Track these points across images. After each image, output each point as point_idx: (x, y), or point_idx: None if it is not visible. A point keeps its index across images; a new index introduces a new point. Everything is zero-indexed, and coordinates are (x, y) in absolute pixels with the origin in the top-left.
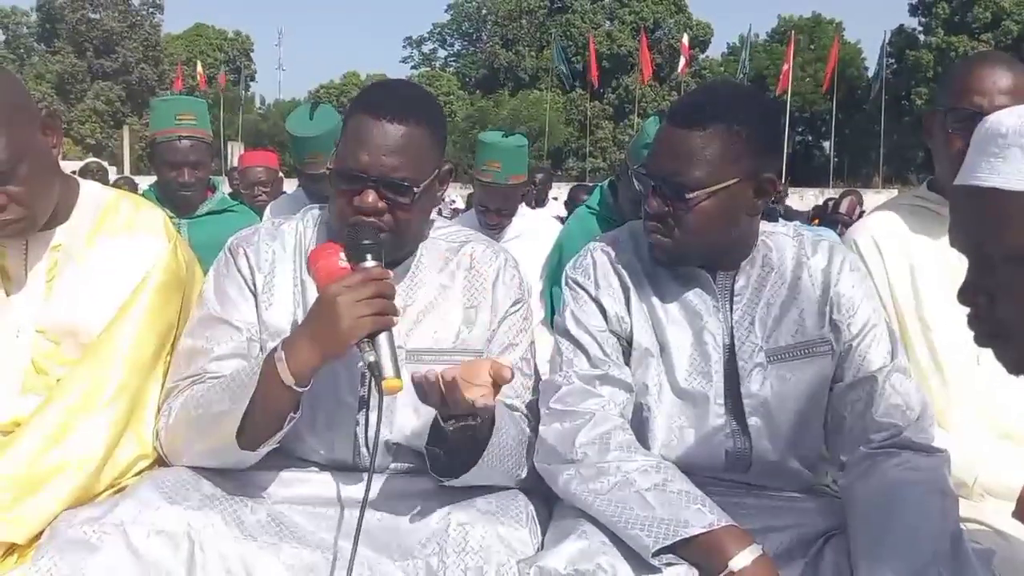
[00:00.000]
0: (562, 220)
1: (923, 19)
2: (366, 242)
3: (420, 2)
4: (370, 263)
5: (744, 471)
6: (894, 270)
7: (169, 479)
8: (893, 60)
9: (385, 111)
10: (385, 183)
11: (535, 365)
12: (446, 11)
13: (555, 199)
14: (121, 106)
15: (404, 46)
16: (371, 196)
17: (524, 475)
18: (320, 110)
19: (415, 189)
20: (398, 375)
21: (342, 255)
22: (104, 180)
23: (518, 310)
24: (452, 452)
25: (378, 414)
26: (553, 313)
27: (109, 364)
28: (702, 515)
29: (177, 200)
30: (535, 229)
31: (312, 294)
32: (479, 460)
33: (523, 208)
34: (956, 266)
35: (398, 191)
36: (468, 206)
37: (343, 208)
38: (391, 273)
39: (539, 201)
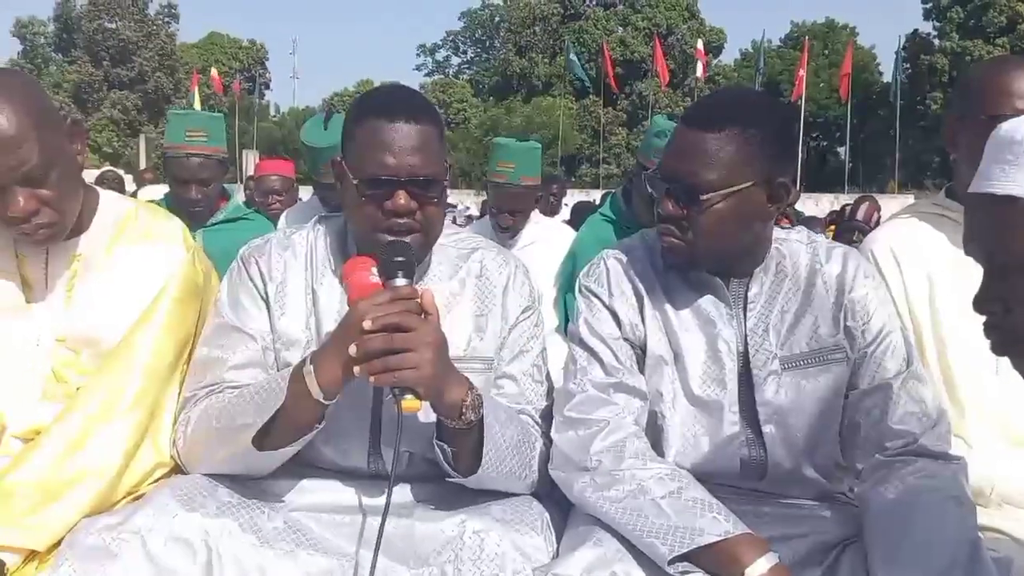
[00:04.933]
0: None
1: (937, 24)
2: (399, 259)
3: (433, 10)
4: (401, 281)
5: (759, 479)
6: (912, 281)
7: (186, 486)
8: (908, 65)
9: (398, 112)
10: (414, 182)
11: (547, 372)
12: (459, 19)
13: (566, 205)
14: (137, 115)
15: (417, 54)
16: (403, 197)
17: (534, 477)
18: (334, 120)
19: (443, 183)
20: (417, 396)
21: (374, 270)
22: (120, 189)
23: (528, 316)
24: (458, 450)
25: (398, 428)
26: (567, 321)
27: (128, 373)
28: (717, 523)
29: (186, 214)
30: (548, 236)
31: (324, 303)
32: (481, 461)
33: (536, 215)
34: (975, 275)
35: (426, 188)
36: (482, 214)
37: (373, 215)
38: (420, 292)
39: (553, 210)
